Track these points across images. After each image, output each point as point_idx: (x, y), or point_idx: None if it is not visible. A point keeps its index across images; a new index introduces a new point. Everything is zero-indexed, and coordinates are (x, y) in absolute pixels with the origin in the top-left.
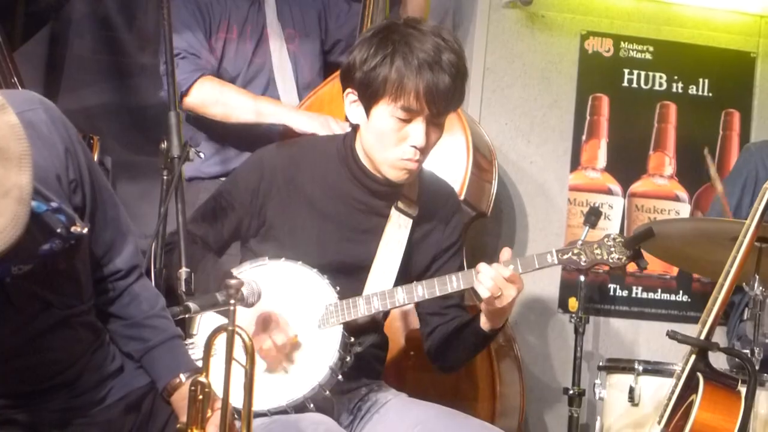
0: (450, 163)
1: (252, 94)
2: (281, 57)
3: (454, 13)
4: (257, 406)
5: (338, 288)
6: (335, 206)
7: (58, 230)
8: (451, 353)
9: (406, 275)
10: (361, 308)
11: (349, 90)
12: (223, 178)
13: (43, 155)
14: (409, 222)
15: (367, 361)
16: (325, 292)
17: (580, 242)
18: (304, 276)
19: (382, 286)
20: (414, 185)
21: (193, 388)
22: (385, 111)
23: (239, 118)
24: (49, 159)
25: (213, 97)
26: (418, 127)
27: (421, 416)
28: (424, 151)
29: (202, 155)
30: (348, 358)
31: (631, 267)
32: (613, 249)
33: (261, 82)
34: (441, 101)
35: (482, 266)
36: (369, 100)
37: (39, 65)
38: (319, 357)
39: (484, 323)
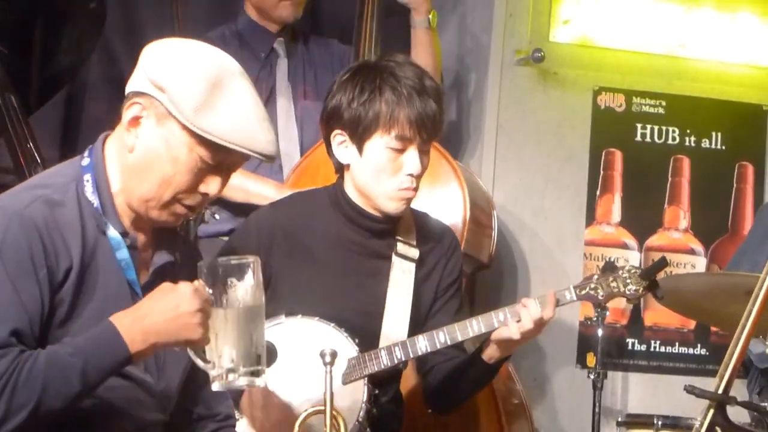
0: (447, 216)
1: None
2: (288, 119)
3: (467, 71)
4: None
5: (357, 340)
6: (335, 254)
7: None
8: (451, 392)
9: (416, 317)
10: (384, 360)
11: (337, 132)
12: (223, 237)
13: None
14: (412, 266)
15: (385, 422)
16: (345, 346)
17: (596, 276)
18: (322, 331)
19: (398, 334)
20: (411, 227)
21: None
22: (379, 144)
23: (229, 196)
24: None
25: None
26: (413, 155)
27: None
28: (418, 178)
29: (217, 217)
30: (375, 410)
31: (649, 320)
32: (629, 281)
33: None
34: (431, 127)
35: (529, 302)
36: (361, 136)
37: (55, 129)
38: (345, 413)
39: (490, 356)
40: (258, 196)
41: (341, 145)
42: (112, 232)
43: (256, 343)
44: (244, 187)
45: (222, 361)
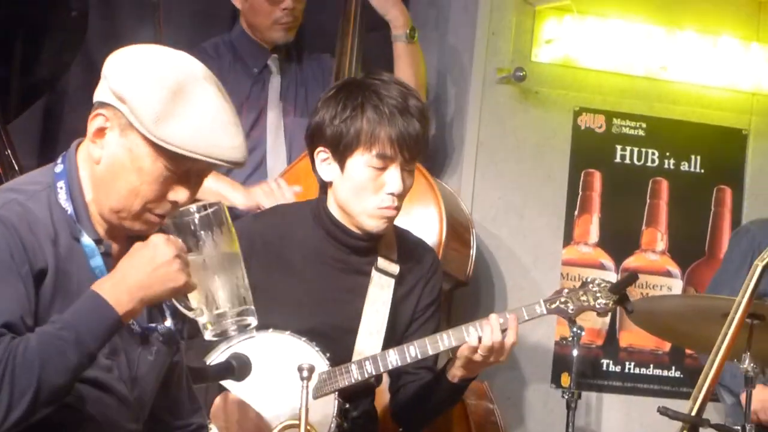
0: (423, 233)
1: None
2: (277, 135)
3: (448, 89)
4: None
5: (328, 354)
6: (315, 269)
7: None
8: (417, 411)
9: (392, 335)
10: (354, 374)
11: (320, 149)
12: None
13: None
14: (392, 281)
15: None
16: (316, 361)
17: (566, 291)
18: (293, 346)
19: (371, 349)
20: (392, 243)
21: None
22: (360, 161)
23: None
24: None
25: None
26: (394, 174)
27: None
28: (400, 197)
29: None
30: (345, 424)
31: (625, 341)
32: (599, 294)
33: (254, 158)
34: (413, 146)
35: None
36: (342, 153)
37: (35, 137)
38: (316, 427)
39: (453, 374)
40: (229, 201)
41: (324, 162)
42: (86, 240)
43: (240, 285)
44: (217, 191)
45: (210, 308)
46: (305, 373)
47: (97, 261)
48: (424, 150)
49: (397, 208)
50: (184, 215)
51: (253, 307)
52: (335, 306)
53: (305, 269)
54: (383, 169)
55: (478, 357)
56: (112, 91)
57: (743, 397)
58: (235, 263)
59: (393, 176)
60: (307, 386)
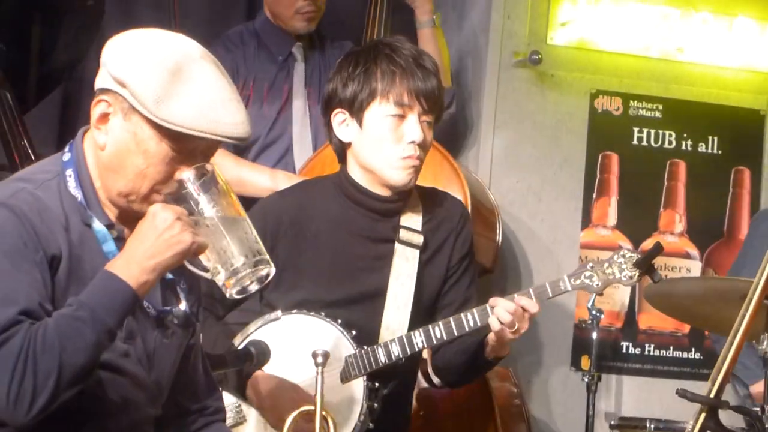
0: None
1: (236, 160)
2: (303, 124)
3: (464, 73)
4: None
5: (354, 332)
6: (341, 238)
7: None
8: (453, 374)
9: (424, 301)
10: (381, 357)
11: (337, 111)
12: None
13: None
14: (416, 253)
15: (392, 425)
16: (343, 344)
17: (590, 264)
18: (319, 328)
19: (398, 324)
20: (417, 204)
21: None
22: (379, 112)
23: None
24: None
25: None
26: (413, 122)
27: None
28: (422, 147)
29: None
30: (376, 405)
31: (644, 323)
32: (624, 266)
33: (280, 147)
34: (430, 96)
35: (498, 300)
36: (360, 108)
37: (53, 126)
38: (345, 412)
39: (489, 352)
40: (252, 185)
41: (342, 124)
42: (98, 225)
43: (249, 238)
44: (238, 176)
45: (225, 265)
46: (320, 359)
47: (109, 246)
48: (441, 107)
49: (420, 158)
50: (179, 186)
51: (267, 257)
52: (362, 274)
53: (330, 240)
54: (402, 117)
55: (507, 334)
56: (112, 76)
57: (753, 389)
58: (238, 219)
59: (413, 125)
60: (321, 372)
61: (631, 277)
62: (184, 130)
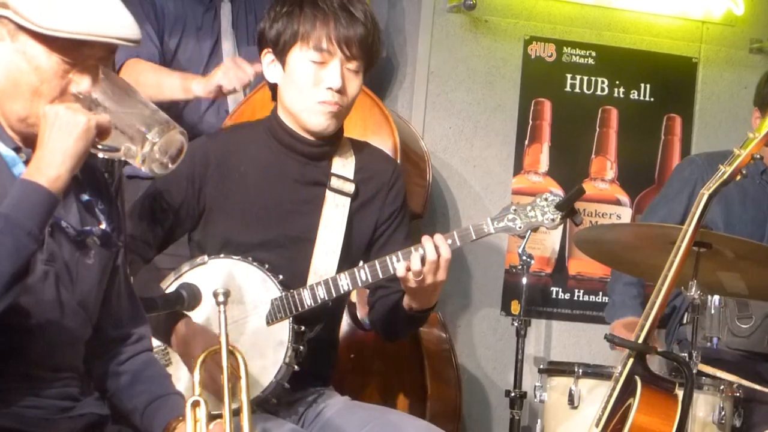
0: None
1: (166, 70)
2: None
3: (399, 18)
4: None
5: (281, 277)
6: (270, 181)
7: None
8: (390, 327)
9: (353, 250)
10: (307, 300)
11: (266, 50)
12: (149, 180)
13: None
14: (347, 201)
15: (317, 368)
16: (269, 287)
17: (513, 207)
18: (246, 272)
19: (326, 269)
20: (349, 154)
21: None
22: (299, 57)
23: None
24: None
25: (133, 79)
26: (334, 68)
27: (366, 418)
28: (342, 93)
29: None
30: (302, 347)
31: (574, 269)
32: (547, 210)
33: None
34: (352, 42)
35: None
36: (283, 51)
37: None
38: (272, 355)
39: (406, 302)
40: (168, 87)
41: (271, 64)
42: (5, 150)
43: (150, 110)
44: (157, 80)
45: (135, 141)
46: (221, 298)
47: (20, 168)
48: (372, 54)
49: (339, 104)
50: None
51: (174, 123)
52: (292, 217)
53: (259, 181)
54: (323, 63)
55: (412, 283)
56: None
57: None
58: (132, 94)
59: (333, 71)
60: (224, 311)
61: (553, 220)
62: (74, 36)
